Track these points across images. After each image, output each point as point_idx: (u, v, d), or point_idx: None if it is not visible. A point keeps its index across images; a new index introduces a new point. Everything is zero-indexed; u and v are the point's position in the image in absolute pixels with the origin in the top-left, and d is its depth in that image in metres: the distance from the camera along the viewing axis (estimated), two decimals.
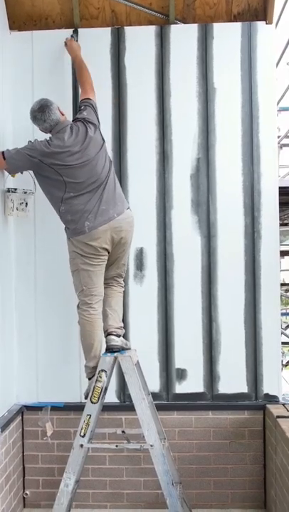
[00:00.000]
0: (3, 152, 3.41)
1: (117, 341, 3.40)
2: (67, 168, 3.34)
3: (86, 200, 3.35)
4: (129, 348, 3.49)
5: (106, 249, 3.38)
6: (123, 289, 3.65)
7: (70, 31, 3.99)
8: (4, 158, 3.39)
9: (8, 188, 3.71)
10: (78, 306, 3.44)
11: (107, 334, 3.44)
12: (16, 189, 3.73)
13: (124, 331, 3.60)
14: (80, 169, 3.35)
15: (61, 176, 3.34)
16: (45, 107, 3.43)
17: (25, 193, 3.77)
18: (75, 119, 3.55)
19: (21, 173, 3.62)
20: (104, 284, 3.48)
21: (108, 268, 3.48)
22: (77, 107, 3.92)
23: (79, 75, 3.77)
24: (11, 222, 3.92)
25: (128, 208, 3.51)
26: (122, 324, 3.56)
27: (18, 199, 3.75)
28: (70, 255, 3.43)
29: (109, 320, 3.47)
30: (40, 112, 3.43)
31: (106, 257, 3.41)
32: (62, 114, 3.51)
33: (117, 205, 3.41)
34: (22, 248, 3.99)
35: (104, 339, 3.45)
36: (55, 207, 3.45)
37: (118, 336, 3.45)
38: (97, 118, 3.56)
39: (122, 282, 3.63)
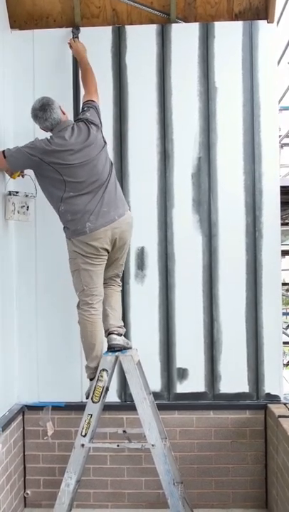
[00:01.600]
0: (3, 151, 3.40)
1: (119, 340, 3.40)
2: (67, 167, 3.32)
3: (87, 200, 3.33)
4: (131, 347, 3.49)
5: (106, 250, 3.37)
6: (121, 288, 3.66)
7: (71, 30, 3.98)
8: (5, 157, 3.38)
9: (10, 191, 3.69)
10: (78, 306, 3.43)
11: (108, 333, 3.43)
12: (17, 192, 3.71)
13: (125, 329, 3.59)
14: (81, 168, 3.34)
15: (61, 175, 3.32)
16: (46, 105, 3.41)
17: (26, 196, 3.74)
18: (77, 119, 3.54)
19: (22, 176, 3.61)
20: (104, 284, 3.48)
21: (107, 268, 3.47)
22: (78, 106, 3.93)
23: (84, 77, 3.76)
24: (11, 223, 3.91)
25: (128, 209, 3.51)
26: (122, 323, 3.56)
27: (19, 202, 3.72)
28: (70, 255, 3.42)
29: (110, 319, 3.47)
30: (42, 110, 3.41)
31: (106, 257, 3.40)
32: (64, 113, 3.49)
33: (118, 207, 3.40)
34: (23, 247, 3.98)
35: (105, 339, 3.45)
36: (54, 206, 3.44)
37: (119, 334, 3.44)
38: (100, 120, 3.55)
39: (120, 282, 3.64)
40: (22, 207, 3.76)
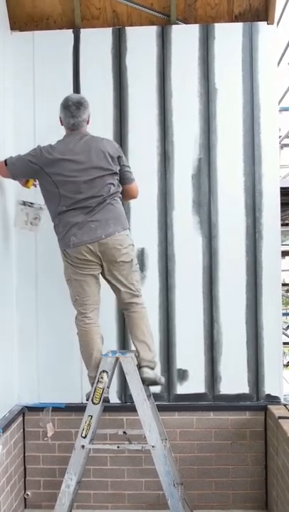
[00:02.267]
0: (5, 160, 3.41)
1: (150, 374, 3.27)
2: (65, 180, 3.26)
3: (75, 214, 3.27)
4: (163, 384, 3.45)
5: (93, 261, 3.29)
6: (145, 309, 3.41)
7: (72, 31, 3.98)
8: (6, 165, 3.38)
9: (24, 202, 3.65)
10: (76, 317, 3.41)
11: (140, 367, 3.30)
12: (32, 203, 3.67)
13: (157, 363, 3.50)
14: (77, 184, 3.26)
15: (57, 188, 3.28)
16: (82, 104, 3.37)
17: (40, 208, 3.66)
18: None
19: (35, 186, 3.56)
20: (124, 311, 3.45)
21: (114, 291, 3.39)
22: None
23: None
24: (12, 221, 3.92)
25: (125, 230, 3.35)
26: (154, 355, 3.38)
27: (33, 214, 3.67)
28: (63, 264, 3.40)
29: (139, 353, 3.31)
30: (76, 105, 3.36)
31: (97, 267, 3.32)
32: (88, 123, 3.45)
33: (108, 227, 3.26)
34: (23, 249, 3.98)
35: (104, 347, 3.40)
36: (52, 219, 3.40)
37: (152, 368, 3.32)
38: (123, 172, 3.45)
39: (140, 301, 3.41)
40: (35, 218, 3.70)
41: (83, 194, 3.27)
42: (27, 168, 3.35)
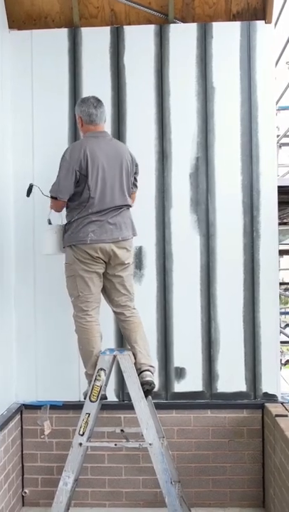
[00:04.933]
0: (50, 195, 3.34)
1: (152, 378, 3.29)
2: (97, 183, 3.28)
3: (97, 214, 3.30)
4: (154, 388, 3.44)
5: (102, 259, 3.33)
6: (139, 315, 3.47)
7: (70, 30, 3.98)
8: (55, 198, 3.32)
9: (50, 220, 3.54)
10: (74, 315, 3.41)
11: (140, 371, 3.30)
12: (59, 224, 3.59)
13: (155, 368, 3.53)
14: (108, 188, 3.31)
15: (89, 190, 3.27)
16: (102, 104, 3.45)
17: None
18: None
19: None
20: (118, 314, 3.45)
21: (112, 292, 3.42)
22: (75, 105, 3.94)
23: None
24: (11, 220, 3.93)
25: (135, 235, 3.48)
26: (152, 363, 3.42)
27: (60, 232, 3.50)
28: (67, 260, 3.39)
29: (139, 358, 3.33)
30: (97, 102, 3.42)
31: (102, 265, 3.35)
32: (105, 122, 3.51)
33: (124, 230, 3.37)
34: (21, 247, 3.99)
35: (102, 345, 3.41)
36: (67, 214, 3.39)
37: (152, 373, 3.34)
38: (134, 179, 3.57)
39: (134, 305, 3.48)
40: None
41: (111, 198, 3.33)
42: (73, 180, 3.28)
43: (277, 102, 4.93)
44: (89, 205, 3.29)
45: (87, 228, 3.28)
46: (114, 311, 3.49)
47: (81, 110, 3.43)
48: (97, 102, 3.43)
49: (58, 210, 3.45)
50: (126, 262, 3.38)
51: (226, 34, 3.97)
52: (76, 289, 3.35)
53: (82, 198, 3.31)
